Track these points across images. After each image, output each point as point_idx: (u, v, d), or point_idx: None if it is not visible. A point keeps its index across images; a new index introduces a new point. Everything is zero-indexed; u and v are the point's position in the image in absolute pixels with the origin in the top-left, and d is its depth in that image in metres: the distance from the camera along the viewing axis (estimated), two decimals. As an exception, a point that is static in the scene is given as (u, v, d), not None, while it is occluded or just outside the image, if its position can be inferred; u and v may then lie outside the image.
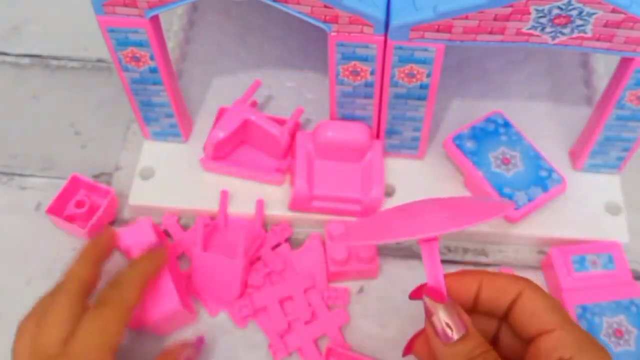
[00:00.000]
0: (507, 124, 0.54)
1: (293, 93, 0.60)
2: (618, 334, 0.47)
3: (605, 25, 0.42)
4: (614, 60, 0.47)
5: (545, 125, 0.57)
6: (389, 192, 0.54)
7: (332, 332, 0.49)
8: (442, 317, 0.34)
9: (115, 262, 0.48)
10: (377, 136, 0.53)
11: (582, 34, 0.43)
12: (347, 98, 0.50)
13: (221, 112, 0.56)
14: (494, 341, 0.38)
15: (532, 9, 0.41)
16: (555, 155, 0.55)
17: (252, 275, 0.51)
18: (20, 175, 0.58)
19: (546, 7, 0.41)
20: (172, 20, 0.63)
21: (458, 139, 0.53)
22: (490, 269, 0.52)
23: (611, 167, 0.54)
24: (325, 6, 0.43)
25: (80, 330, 0.41)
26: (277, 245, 0.53)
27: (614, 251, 0.50)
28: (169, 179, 0.55)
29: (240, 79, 0.60)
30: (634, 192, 0.55)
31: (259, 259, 0.52)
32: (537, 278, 0.52)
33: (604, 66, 0.60)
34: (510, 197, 0.51)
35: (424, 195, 0.53)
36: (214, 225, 0.52)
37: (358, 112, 0.52)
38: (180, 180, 0.55)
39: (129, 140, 0.59)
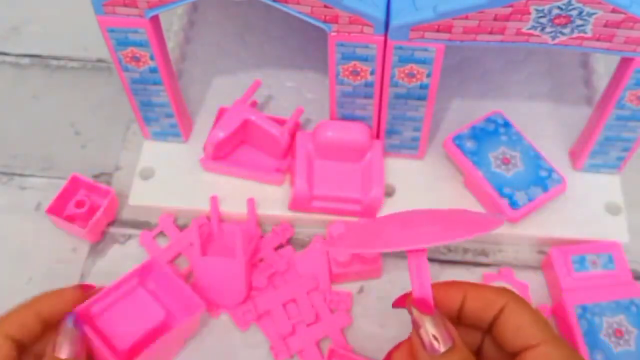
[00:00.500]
0: (507, 124, 0.54)
1: (293, 93, 0.60)
2: (618, 334, 0.47)
3: (605, 25, 0.42)
4: (614, 60, 0.47)
5: (545, 125, 0.58)
6: (389, 192, 0.54)
7: (334, 334, 0.49)
8: (429, 329, 0.34)
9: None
10: (377, 136, 0.53)
11: (582, 34, 0.43)
12: (347, 98, 0.50)
13: (221, 112, 0.56)
14: (477, 354, 0.37)
15: (532, 9, 0.41)
16: (555, 155, 0.55)
17: (256, 276, 0.51)
18: (20, 175, 0.58)
19: (546, 7, 0.41)
20: (172, 20, 0.63)
21: (458, 139, 0.53)
22: (490, 269, 0.53)
23: (611, 167, 0.54)
24: (325, 6, 0.43)
25: None
26: (280, 246, 0.53)
27: (614, 251, 0.50)
28: (169, 179, 0.55)
29: (240, 79, 0.60)
30: (634, 192, 0.55)
31: (261, 260, 0.52)
32: (537, 278, 0.52)
33: (604, 66, 0.60)
34: (510, 197, 0.51)
35: (424, 195, 0.54)
36: (208, 232, 0.52)
37: (358, 112, 0.52)
38: (180, 180, 0.55)
39: (129, 140, 0.59)
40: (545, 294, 0.52)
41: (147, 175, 0.55)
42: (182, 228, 0.54)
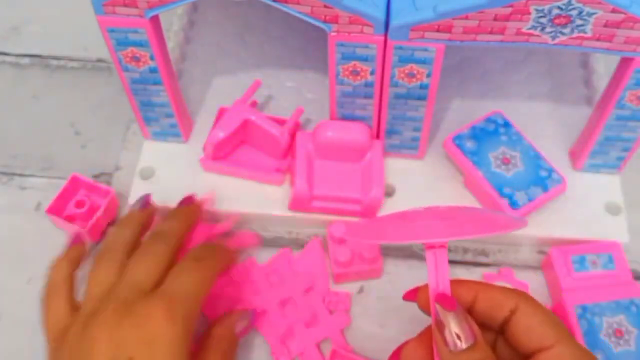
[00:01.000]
0: (507, 124, 0.54)
1: (293, 93, 0.60)
2: (618, 334, 0.47)
3: (605, 25, 0.42)
4: (614, 60, 0.46)
5: (545, 125, 0.57)
6: (389, 192, 0.54)
7: (334, 335, 0.49)
8: (452, 326, 0.34)
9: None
10: (377, 136, 0.53)
11: (582, 34, 0.43)
12: (347, 98, 0.50)
13: (221, 112, 0.56)
14: None
15: (532, 9, 0.41)
16: (555, 155, 0.55)
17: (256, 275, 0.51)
18: (20, 175, 0.58)
19: (546, 7, 0.41)
20: (172, 20, 0.63)
21: (458, 139, 0.53)
22: (490, 269, 0.53)
23: (611, 167, 0.54)
24: (325, 6, 0.43)
25: (178, 278, 0.41)
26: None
27: (614, 251, 0.50)
28: (169, 179, 0.55)
29: (240, 79, 0.60)
30: (634, 192, 0.55)
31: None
32: (537, 278, 0.52)
33: (604, 66, 0.60)
34: (510, 197, 0.51)
35: (424, 195, 0.54)
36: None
37: (358, 112, 0.52)
38: (180, 180, 0.55)
39: (129, 140, 0.59)
40: (545, 294, 0.52)
41: (147, 175, 0.55)
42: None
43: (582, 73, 0.61)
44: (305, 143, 0.53)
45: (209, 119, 0.56)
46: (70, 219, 0.53)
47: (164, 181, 0.55)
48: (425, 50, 0.45)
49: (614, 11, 0.41)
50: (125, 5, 0.45)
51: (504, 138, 0.53)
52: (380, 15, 0.43)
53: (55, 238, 0.54)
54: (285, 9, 0.44)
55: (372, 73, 0.47)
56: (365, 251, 0.50)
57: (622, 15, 0.41)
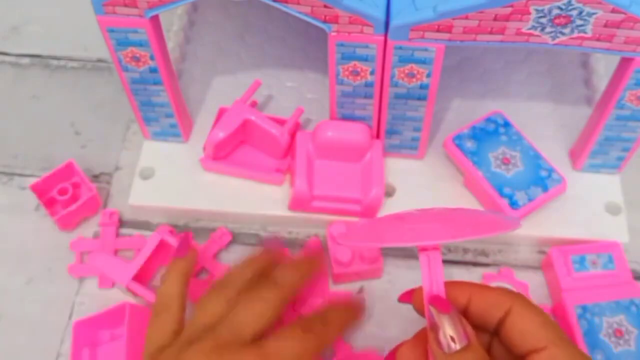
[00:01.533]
0: (507, 124, 0.54)
1: (293, 93, 0.60)
2: (618, 334, 0.47)
3: (605, 25, 0.42)
4: (614, 60, 0.47)
5: (545, 125, 0.58)
6: (389, 192, 0.54)
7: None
8: (447, 328, 0.34)
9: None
10: (377, 136, 0.53)
11: (582, 34, 0.43)
12: (347, 98, 0.50)
13: (221, 112, 0.56)
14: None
15: (532, 9, 0.41)
16: (555, 155, 0.55)
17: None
18: (20, 175, 0.58)
19: (546, 7, 0.41)
20: (172, 20, 0.63)
21: (458, 139, 0.53)
22: (490, 269, 0.53)
23: (611, 167, 0.54)
24: (325, 6, 0.43)
25: (280, 342, 0.40)
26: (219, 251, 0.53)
27: (614, 251, 0.50)
28: (169, 179, 0.55)
29: (240, 79, 0.60)
30: (634, 192, 0.55)
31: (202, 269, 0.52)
32: (537, 278, 0.52)
33: (604, 66, 0.60)
34: (510, 197, 0.51)
35: (424, 195, 0.54)
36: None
37: (358, 112, 0.52)
38: (180, 180, 0.55)
39: (129, 140, 0.59)
40: (545, 294, 0.52)
41: (147, 175, 0.55)
42: (179, 231, 0.54)
43: (582, 73, 0.61)
44: (305, 143, 0.53)
45: (209, 119, 0.56)
46: (48, 203, 0.53)
47: (164, 181, 0.55)
48: (425, 50, 0.45)
49: (614, 11, 0.41)
50: (125, 5, 0.45)
51: (504, 138, 0.53)
52: (380, 15, 0.43)
53: (55, 238, 0.54)
54: (285, 9, 0.44)
55: (372, 73, 0.48)
56: (365, 251, 0.50)
57: (622, 15, 0.41)
